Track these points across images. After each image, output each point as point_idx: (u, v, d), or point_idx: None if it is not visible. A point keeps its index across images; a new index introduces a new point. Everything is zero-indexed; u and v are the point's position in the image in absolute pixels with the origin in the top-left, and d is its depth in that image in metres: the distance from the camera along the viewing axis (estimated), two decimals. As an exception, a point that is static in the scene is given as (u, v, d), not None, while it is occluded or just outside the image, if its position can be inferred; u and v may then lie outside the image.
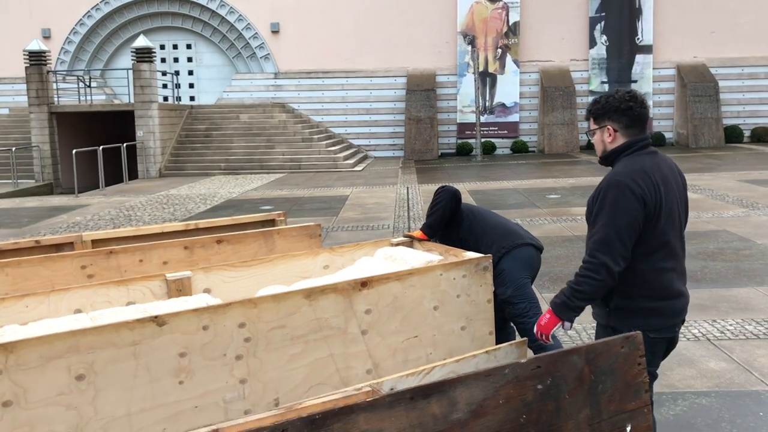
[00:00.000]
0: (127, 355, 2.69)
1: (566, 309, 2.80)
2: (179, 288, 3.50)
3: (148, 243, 4.24)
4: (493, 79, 23.92)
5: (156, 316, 2.75)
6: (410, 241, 4.09)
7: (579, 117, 22.75)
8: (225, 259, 4.36)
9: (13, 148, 18.78)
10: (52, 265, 3.92)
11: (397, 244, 4.03)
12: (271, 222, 5.24)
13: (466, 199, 13.18)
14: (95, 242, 4.66)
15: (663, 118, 24.06)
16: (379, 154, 24.05)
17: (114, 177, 18.18)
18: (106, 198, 15.29)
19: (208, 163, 20.28)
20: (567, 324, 2.84)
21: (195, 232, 4.96)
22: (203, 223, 5.03)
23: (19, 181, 18.69)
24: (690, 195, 11.92)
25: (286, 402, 3.04)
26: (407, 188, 15.09)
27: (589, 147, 21.87)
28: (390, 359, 3.29)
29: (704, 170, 15.93)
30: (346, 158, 21.00)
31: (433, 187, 15.19)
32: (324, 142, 21.45)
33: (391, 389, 2.83)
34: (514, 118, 23.99)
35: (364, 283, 3.19)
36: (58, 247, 4.59)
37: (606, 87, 23.31)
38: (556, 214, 10.97)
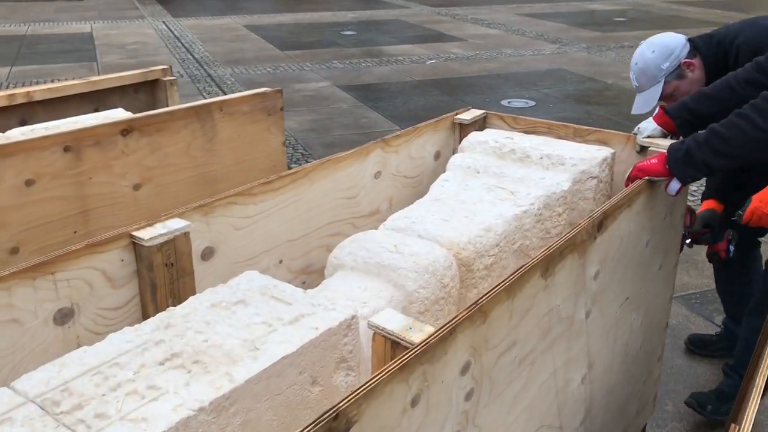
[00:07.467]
0: None
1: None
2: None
3: None
4: None
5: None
6: (483, 116, 2.48)
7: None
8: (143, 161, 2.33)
9: None
10: None
11: (471, 122, 2.40)
12: (152, 83, 3.10)
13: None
14: None
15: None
16: None
17: None
18: None
19: None
20: (673, 186, 1.85)
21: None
22: None
23: None
24: (488, 30, 11.13)
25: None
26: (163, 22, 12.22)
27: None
28: (603, 349, 1.85)
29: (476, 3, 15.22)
30: None
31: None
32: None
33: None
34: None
35: (600, 224, 1.64)
36: None
37: None
38: None
